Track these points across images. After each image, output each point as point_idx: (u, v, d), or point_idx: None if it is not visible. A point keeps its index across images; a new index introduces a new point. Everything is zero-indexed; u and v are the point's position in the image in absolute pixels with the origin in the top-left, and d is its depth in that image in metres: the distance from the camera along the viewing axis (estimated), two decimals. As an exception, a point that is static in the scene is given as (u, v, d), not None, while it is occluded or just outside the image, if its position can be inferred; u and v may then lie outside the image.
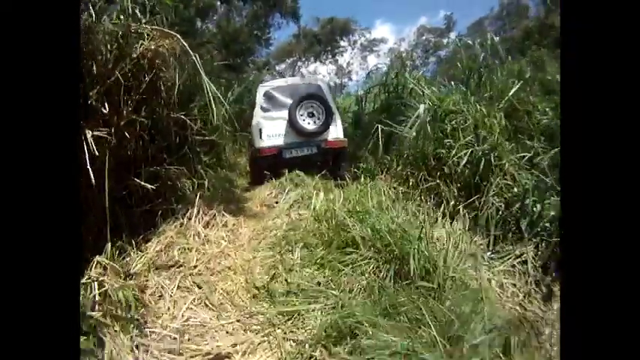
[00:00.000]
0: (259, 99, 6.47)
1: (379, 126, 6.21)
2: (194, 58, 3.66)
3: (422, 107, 5.81)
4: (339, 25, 28.18)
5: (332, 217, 3.64)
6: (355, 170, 6.37)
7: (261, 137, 6.13)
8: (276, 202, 5.00)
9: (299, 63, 29.40)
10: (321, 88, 6.60)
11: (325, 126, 6.02)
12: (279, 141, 6.08)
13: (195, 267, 3.20)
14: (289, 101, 6.03)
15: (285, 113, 5.96)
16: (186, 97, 4.44)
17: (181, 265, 3.20)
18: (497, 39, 6.51)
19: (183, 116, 4.27)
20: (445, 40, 34.10)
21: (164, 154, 4.20)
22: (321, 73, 32.08)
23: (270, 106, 6.35)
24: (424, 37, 35.34)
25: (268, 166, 6.00)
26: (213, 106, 3.61)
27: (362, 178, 5.70)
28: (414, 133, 5.71)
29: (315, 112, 6.01)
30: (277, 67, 28.24)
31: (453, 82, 7.16)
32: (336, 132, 6.36)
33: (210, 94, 3.57)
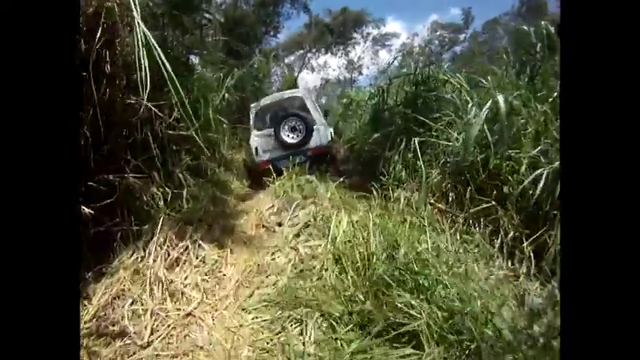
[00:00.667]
0: (252, 119, 7.23)
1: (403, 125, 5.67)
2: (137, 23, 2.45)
3: (470, 105, 4.67)
4: (352, 16, 26.86)
5: (365, 265, 2.40)
6: (382, 178, 5.26)
7: (257, 154, 6.95)
8: (279, 224, 3.80)
9: (309, 54, 28.11)
10: (303, 102, 7.21)
11: (305, 139, 6.75)
12: (273, 154, 6.83)
13: (148, 344, 1.99)
14: (276, 119, 6.92)
15: (267, 129, 6.92)
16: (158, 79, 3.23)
17: (130, 337, 2.00)
18: (552, 29, 5.21)
19: (150, 104, 2.98)
20: (462, 36, 32.92)
21: (125, 154, 3.00)
22: (331, 66, 30.92)
23: (261, 124, 7.15)
24: (438, 33, 33.96)
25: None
26: (179, 91, 2.39)
27: (390, 190, 4.74)
28: (457, 136, 4.53)
29: (296, 126, 6.74)
30: (286, 60, 27.16)
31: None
32: (319, 139, 6.96)
33: (168, 73, 2.35)
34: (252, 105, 7.49)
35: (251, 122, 7.21)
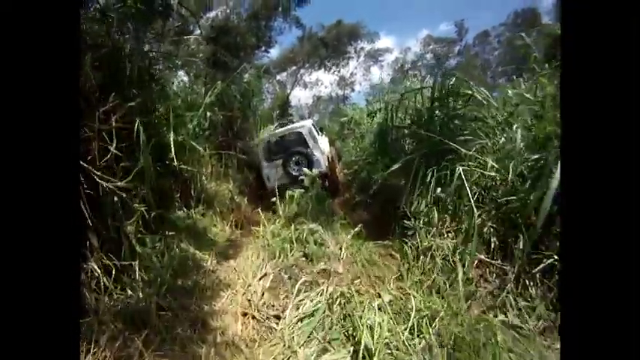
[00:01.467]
0: (261, 151, 8.02)
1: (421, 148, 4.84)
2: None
3: (516, 127, 3.77)
4: (346, 29, 26.02)
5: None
6: (406, 221, 4.23)
7: (269, 181, 7.75)
8: (277, 317, 2.62)
9: (302, 70, 27.19)
10: (304, 138, 7.97)
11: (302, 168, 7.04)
12: (281, 182, 7.27)
13: None
14: (283, 149, 7.87)
15: (281, 161, 7.69)
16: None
17: None
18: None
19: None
20: (456, 48, 32.46)
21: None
22: (323, 83, 30.04)
23: (271, 155, 7.98)
24: (431, 47, 33.44)
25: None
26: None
27: (419, 237, 3.91)
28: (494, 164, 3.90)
29: (300, 161, 7.64)
30: (278, 76, 26.22)
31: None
32: (319, 166, 7.55)
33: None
34: (261, 139, 8.57)
35: (261, 154, 8.06)
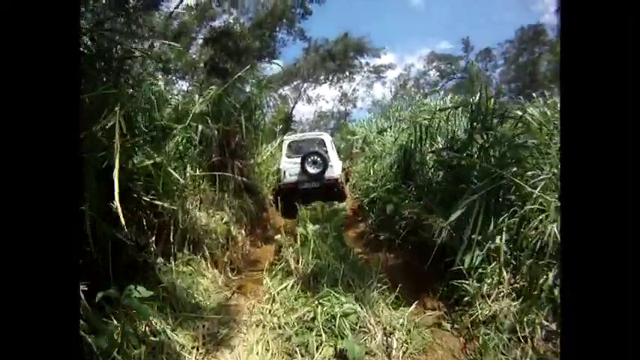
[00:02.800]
0: (284, 149, 9.14)
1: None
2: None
3: None
4: (353, 43, 25.28)
5: None
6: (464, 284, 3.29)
7: (284, 176, 8.75)
8: None
9: (305, 84, 26.34)
10: (324, 142, 9.24)
11: (322, 172, 8.50)
12: (296, 178, 8.63)
13: None
14: (303, 151, 8.86)
15: (296, 159, 8.71)
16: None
17: None
18: None
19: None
20: (462, 63, 31.89)
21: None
22: (325, 98, 29.34)
23: (291, 153, 9.05)
24: (434, 64, 32.85)
25: (289, 196, 8.01)
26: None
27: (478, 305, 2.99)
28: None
29: (316, 161, 8.55)
30: (280, 90, 25.46)
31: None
32: (331, 172, 8.64)
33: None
34: (285, 137, 9.90)
35: (283, 151, 9.16)
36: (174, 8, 14.62)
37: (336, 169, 8.84)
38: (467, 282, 3.24)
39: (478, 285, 3.18)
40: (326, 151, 8.84)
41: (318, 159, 8.52)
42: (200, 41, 17.74)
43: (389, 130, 10.75)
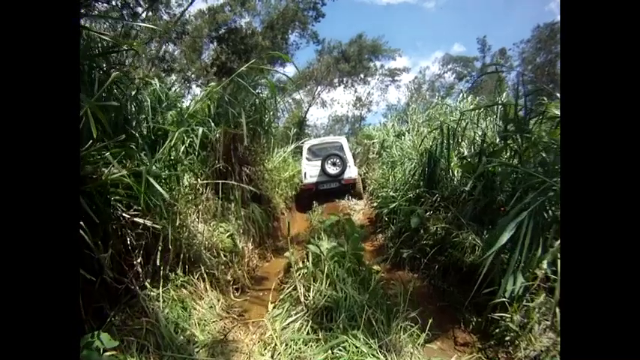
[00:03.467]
0: (305, 152, 10.03)
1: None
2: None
3: None
4: (368, 44, 24.76)
5: None
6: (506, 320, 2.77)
7: (305, 177, 9.59)
8: None
9: (319, 88, 25.84)
10: (342, 146, 10.03)
11: (341, 172, 9.38)
12: (316, 179, 9.47)
13: None
14: (322, 154, 9.71)
15: (319, 162, 9.49)
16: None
17: None
18: None
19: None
20: (479, 65, 31.23)
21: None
22: (339, 102, 28.88)
23: (311, 156, 9.97)
24: (450, 66, 32.17)
25: (310, 195, 9.20)
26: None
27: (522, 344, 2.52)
28: None
29: (336, 163, 9.40)
30: (294, 94, 25.12)
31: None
32: (349, 173, 9.53)
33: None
34: (305, 141, 10.62)
35: (304, 154, 9.95)
36: (183, 11, 14.36)
37: (353, 170, 9.74)
38: (507, 315, 2.71)
39: (522, 318, 2.65)
40: (344, 153, 9.68)
41: (338, 160, 9.38)
42: (212, 45, 17.68)
43: (407, 133, 10.17)
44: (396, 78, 29.02)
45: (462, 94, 10.15)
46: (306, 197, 9.23)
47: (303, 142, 10.52)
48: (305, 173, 9.60)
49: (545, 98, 4.48)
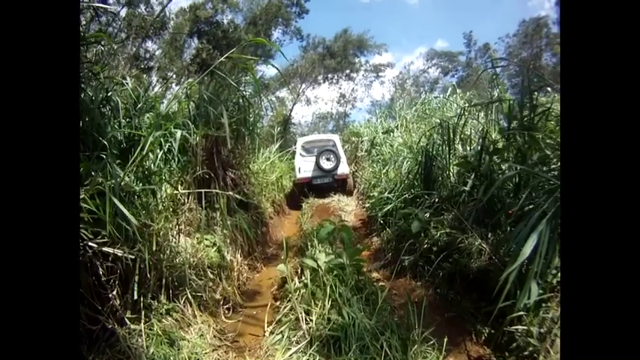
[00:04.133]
0: (299, 148, 10.48)
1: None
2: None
3: None
4: (353, 39, 24.46)
5: None
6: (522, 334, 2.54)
7: (299, 172, 9.86)
8: None
9: (303, 85, 25.47)
10: (335, 143, 10.40)
11: (335, 167, 9.71)
12: (310, 174, 9.76)
13: None
14: (315, 150, 10.15)
15: (313, 157, 9.87)
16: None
17: None
18: None
19: None
20: (464, 59, 31.24)
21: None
22: (323, 99, 28.57)
23: (305, 152, 10.36)
24: (434, 61, 32.11)
25: (303, 190, 9.49)
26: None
27: None
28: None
29: (330, 158, 9.74)
30: (277, 93, 24.77)
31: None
32: (342, 169, 9.85)
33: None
34: (300, 139, 11.33)
35: (297, 150, 10.36)
36: (164, 7, 13.90)
37: (345, 167, 10.08)
38: (522, 327, 2.47)
39: (539, 330, 2.40)
40: (337, 149, 10.09)
41: (332, 156, 9.76)
42: (194, 44, 17.24)
43: (396, 130, 9.93)
44: (380, 74, 28.93)
45: (450, 89, 9.97)
46: (299, 192, 9.61)
47: (292, 142, 11.77)
48: (299, 168, 9.90)
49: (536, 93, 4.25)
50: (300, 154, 10.25)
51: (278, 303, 3.45)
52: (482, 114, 5.17)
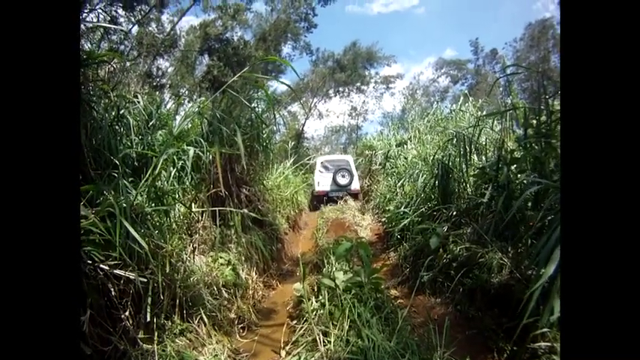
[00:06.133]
0: (318, 165, 12.20)
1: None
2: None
3: None
4: (362, 52, 24.59)
5: None
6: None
7: (318, 185, 11.62)
8: None
9: (314, 100, 25.59)
10: (349, 162, 12.21)
11: (349, 183, 11.52)
12: (328, 188, 11.49)
13: None
14: (332, 168, 11.81)
15: (330, 174, 11.67)
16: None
17: None
18: None
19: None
20: (472, 67, 31.34)
21: None
22: (334, 112, 28.70)
23: (323, 169, 12.02)
24: (443, 70, 32.11)
25: (321, 199, 10.98)
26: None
27: None
28: None
29: (345, 175, 11.50)
30: (289, 108, 24.92)
31: None
32: (354, 185, 11.68)
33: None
34: (319, 158, 13.02)
35: (317, 168, 12.03)
36: (175, 24, 14.16)
37: (357, 183, 11.90)
38: (546, 343, 2.35)
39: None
40: (350, 168, 11.90)
41: (346, 174, 11.58)
42: (205, 60, 17.51)
43: (409, 141, 9.84)
44: (390, 85, 28.94)
45: (462, 98, 9.82)
46: (317, 201, 11.19)
47: (308, 158, 12.82)
48: (318, 182, 11.74)
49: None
50: (319, 171, 11.97)
51: (294, 322, 3.36)
52: (496, 122, 5.09)
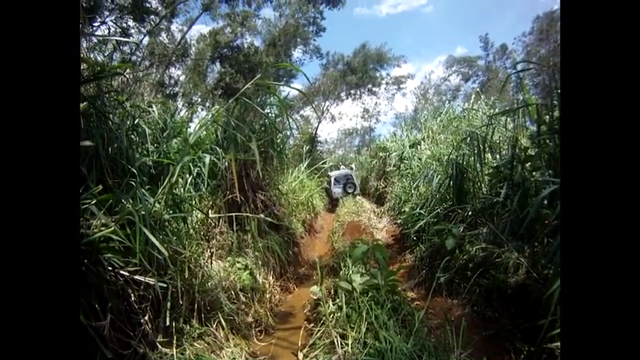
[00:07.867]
0: (332, 180, 15.71)
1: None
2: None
3: None
4: (372, 54, 24.61)
5: None
6: None
7: (333, 194, 15.24)
8: None
9: (326, 103, 25.65)
10: (352, 175, 16.10)
11: (354, 191, 15.20)
12: (339, 194, 14.90)
13: None
14: (342, 180, 15.75)
15: (341, 185, 15.52)
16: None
17: None
18: None
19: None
20: (483, 63, 31.16)
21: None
22: (347, 115, 28.79)
23: (335, 182, 15.74)
24: (454, 68, 31.87)
25: (336, 201, 14.15)
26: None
27: None
28: None
29: (350, 186, 15.33)
30: (302, 112, 25.02)
31: None
32: (356, 191, 15.35)
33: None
34: (331, 173, 16.32)
35: (332, 180, 15.53)
36: (185, 33, 14.40)
37: (357, 189, 15.56)
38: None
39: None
40: (353, 179, 15.75)
41: (352, 184, 15.35)
42: (216, 68, 17.71)
43: (422, 142, 9.81)
44: (401, 86, 28.82)
45: (474, 96, 9.75)
46: (333, 204, 14.35)
47: (322, 162, 14.76)
48: (333, 192, 15.34)
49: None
50: (333, 183, 15.66)
51: (311, 325, 3.38)
52: (509, 119, 5.06)
